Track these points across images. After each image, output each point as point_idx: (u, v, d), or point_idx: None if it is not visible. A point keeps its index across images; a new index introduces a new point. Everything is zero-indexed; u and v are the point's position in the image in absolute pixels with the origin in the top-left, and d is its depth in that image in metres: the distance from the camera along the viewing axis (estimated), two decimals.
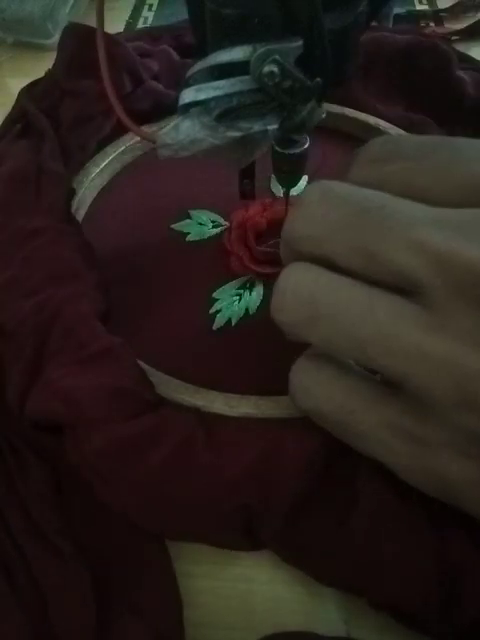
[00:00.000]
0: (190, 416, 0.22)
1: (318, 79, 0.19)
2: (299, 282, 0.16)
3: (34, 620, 0.19)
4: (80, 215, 0.31)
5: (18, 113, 0.34)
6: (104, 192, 0.33)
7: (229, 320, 0.27)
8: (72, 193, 0.31)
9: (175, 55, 0.37)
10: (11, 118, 0.35)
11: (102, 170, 0.33)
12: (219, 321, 0.27)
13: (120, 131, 0.33)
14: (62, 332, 0.23)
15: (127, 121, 0.24)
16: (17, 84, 0.36)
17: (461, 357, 0.14)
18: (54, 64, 0.34)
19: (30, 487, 0.22)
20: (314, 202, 0.16)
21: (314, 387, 0.17)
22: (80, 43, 0.32)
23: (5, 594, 0.20)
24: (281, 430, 0.22)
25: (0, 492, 0.22)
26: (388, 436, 0.16)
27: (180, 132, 0.20)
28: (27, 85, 0.35)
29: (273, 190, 0.33)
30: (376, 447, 0.17)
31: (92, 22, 0.23)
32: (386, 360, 0.15)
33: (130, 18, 0.49)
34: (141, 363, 0.24)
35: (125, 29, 0.48)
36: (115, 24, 0.48)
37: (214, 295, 0.28)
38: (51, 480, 0.23)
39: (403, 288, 0.15)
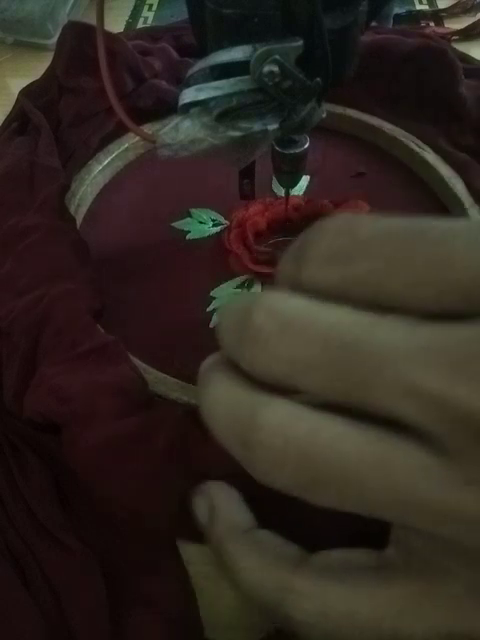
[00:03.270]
0: (184, 413, 0.22)
1: (318, 79, 0.19)
2: (292, 438, 0.13)
3: (48, 615, 0.19)
4: (82, 212, 0.31)
5: (17, 113, 0.34)
6: (106, 190, 0.33)
7: None
8: (65, 188, 0.31)
9: (174, 53, 0.37)
10: (9, 118, 0.35)
11: (104, 168, 0.33)
12: (216, 319, 0.27)
13: (123, 128, 0.33)
14: (55, 330, 0.23)
15: (127, 121, 0.24)
16: (17, 84, 0.36)
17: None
18: (53, 61, 0.34)
19: (32, 486, 0.22)
20: (272, 335, 0.13)
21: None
22: (80, 40, 0.32)
23: (19, 592, 0.20)
24: None
25: (4, 492, 0.22)
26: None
27: (180, 132, 0.21)
28: (26, 86, 0.35)
29: (275, 190, 0.33)
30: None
31: (92, 22, 0.23)
32: (412, 522, 0.13)
33: (130, 18, 0.49)
34: (136, 360, 0.24)
35: (125, 29, 0.48)
36: (115, 24, 0.48)
37: (212, 294, 0.28)
38: (52, 478, 0.23)
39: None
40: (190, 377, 0.24)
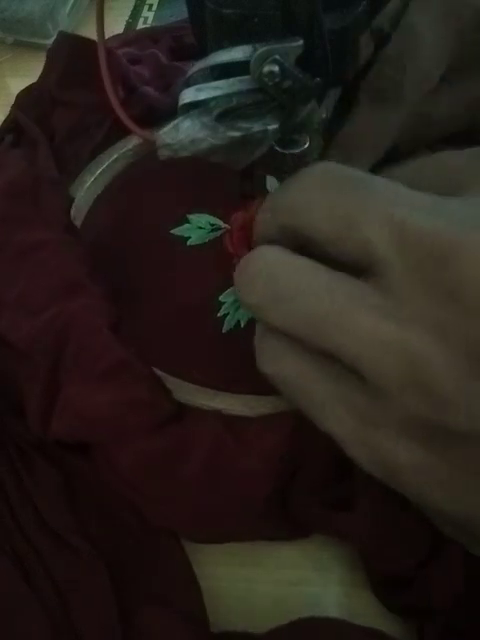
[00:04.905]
0: (214, 421, 0.22)
1: (318, 79, 0.19)
2: (267, 262, 0.17)
3: (54, 618, 0.20)
4: (77, 224, 0.31)
5: (10, 123, 0.34)
6: (100, 201, 0.33)
7: (238, 322, 0.27)
8: (70, 201, 0.30)
9: (163, 59, 0.37)
10: (2, 128, 0.34)
11: (96, 179, 0.33)
12: (228, 324, 0.27)
13: (111, 139, 0.33)
14: (75, 347, 0.23)
15: (129, 122, 0.24)
16: (17, 84, 0.36)
17: (411, 340, 0.14)
18: (45, 73, 0.34)
19: (40, 488, 0.22)
20: (314, 176, 0.17)
21: (281, 353, 0.18)
22: (72, 53, 0.32)
23: (24, 594, 0.20)
24: (301, 419, 0.22)
25: (11, 494, 0.22)
26: (341, 410, 0.16)
27: (180, 132, 0.20)
28: (20, 93, 0.35)
29: (269, 190, 0.33)
30: (329, 419, 0.17)
31: (92, 22, 0.23)
32: (340, 342, 0.15)
33: (130, 18, 0.49)
34: (157, 371, 0.24)
35: (125, 29, 0.48)
36: (115, 24, 0.48)
37: (221, 298, 0.28)
38: (60, 480, 0.23)
39: (366, 268, 0.15)
40: (210, 383, 0.24)
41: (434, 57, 0.25)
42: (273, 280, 0.16)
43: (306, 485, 0.21)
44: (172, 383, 0.24)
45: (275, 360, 0.18)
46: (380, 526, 0.20)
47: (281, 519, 0.22)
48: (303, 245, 0.17)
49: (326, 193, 0.16)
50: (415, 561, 0.20)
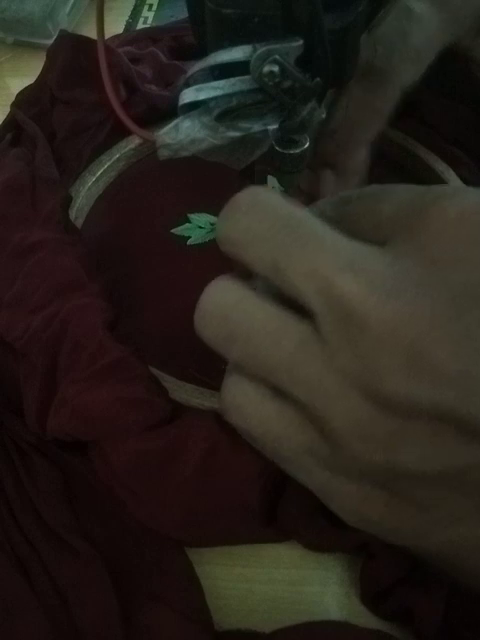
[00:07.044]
0: (210, 421, 0.22)
1: (318, 79, 0.19)
2: (220, 302, 0.17)
3: (55, 619, 0.19)
4: (78, 224, 0.31)
5: (8, 123, 0.34)
6: (101, 200, 0.33)
7: None
8: (68, 200, 0.30)
9: (163, 57, 0.37)
10: (1, 127, 0.34)
11: (98, 178, 0.33)
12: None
13: (113, 139, 0.33)
14: (72, 346, 0.23)
15: (128, 122, 0.24)
16: (17, 84, 0.36)
17: (348, 395, 0.14)
18: (44, 72, 0.34)
19: (39, 488, 0.22)
20: (242, 208, 0.16)
21: (247, 407, 0.17)
22: (74, 53, 0.32)
23: (25, 595, 0.20)
24: None
25: (11, 494, 0.22)
26: (310, 463, 0.16)
27: (180, 132, 0.21)
28: (20, 92, 0.35)
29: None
30: (300, 473, 0.17)
31: (92, 22, 0.23)
32: (291, 387, 0.15)
33: (130, 18, 0.49)
34: (153, 370, 0.24)
35: (125, 29, 0.48)
36: (115, 24, 0.48)
37: None
38: (60, 480, 0.23)
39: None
40: (206, 383, 0.24)
41: (426, 38, 0.25)
42: (226, 320, 0.16)
43: (298, 485, 0.21)
44: (169, 382, 0.24)
45: (244, 414, 0.17)
46: (372, 543, 0.20)
47: (274, 521, 0.21)
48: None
49: (253, 231, 0.16)
50: (404, 574, 0.20)
